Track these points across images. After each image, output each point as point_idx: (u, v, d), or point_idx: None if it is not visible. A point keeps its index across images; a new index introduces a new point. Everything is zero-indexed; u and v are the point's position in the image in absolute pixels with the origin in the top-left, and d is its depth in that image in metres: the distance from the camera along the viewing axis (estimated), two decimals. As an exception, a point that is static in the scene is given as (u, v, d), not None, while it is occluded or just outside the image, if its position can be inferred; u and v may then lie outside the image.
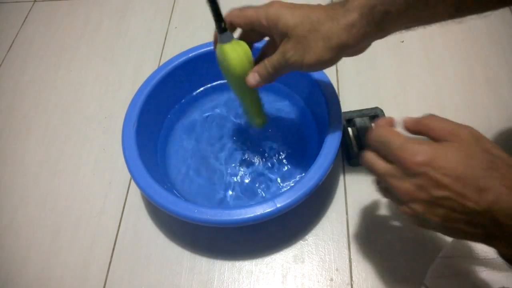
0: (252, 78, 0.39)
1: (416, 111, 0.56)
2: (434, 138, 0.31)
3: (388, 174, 0.31)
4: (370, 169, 0.33)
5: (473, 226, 0.28)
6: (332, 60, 0.35)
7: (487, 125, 0.54)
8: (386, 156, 0.31)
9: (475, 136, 0.30)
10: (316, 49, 0.34)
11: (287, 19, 0.35)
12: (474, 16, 0.34)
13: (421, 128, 0.32)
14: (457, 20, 0.34)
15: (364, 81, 0.60)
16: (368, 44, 0.37)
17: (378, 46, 0.64)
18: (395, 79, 0.60)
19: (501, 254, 0.30)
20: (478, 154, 0.29)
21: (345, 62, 0.62)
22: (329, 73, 0.52)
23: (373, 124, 0.33)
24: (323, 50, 0.34)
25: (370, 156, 0.33)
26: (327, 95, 0.48)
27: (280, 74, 0.38)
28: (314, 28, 0.34)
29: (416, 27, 0.35)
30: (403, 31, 0.35)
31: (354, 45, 0.34)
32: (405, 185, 0.30)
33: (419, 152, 0.29)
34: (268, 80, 0.39)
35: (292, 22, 0.34)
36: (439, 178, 0.28)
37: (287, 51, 0.36)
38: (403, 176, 0.30)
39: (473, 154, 0.29)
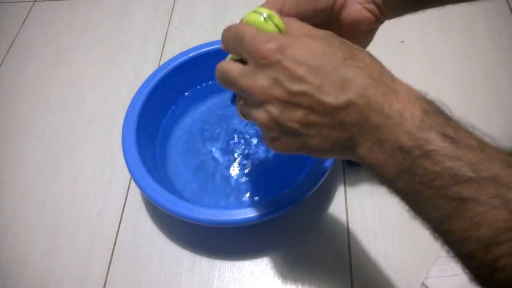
0: None
1: (416, 111, 0.56)
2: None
3: (241, 75, 0.27)
4: (223, 77, 0.29)
5: (337, 129, 0.25)
6: None
7: (487, 125, 0.54)
8: (240, 54, 0.27)
9: (331, 33, 0.27)
10: None
11: None
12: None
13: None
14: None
15: (364, 81, 0.60)
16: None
17: (378, 46, 0.64)
18: (395, 79, 0.60)
19: (362, 159, 0.25)
20: (336, 43, 0.25)
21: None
22: (329, 73, 0.52)
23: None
24: None
25: (223, 62, 0.29)
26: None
27: None
28: None
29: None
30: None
31: None
32: (258, 81, 0.25)
33: (272, 38, 0.25)
34: None
35: None
36: (294, 68, 0.24)
37: None
38: (256, 71, 0.26)
39: (331, 43, 0.25)
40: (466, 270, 0.23)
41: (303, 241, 0.47)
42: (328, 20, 0.33)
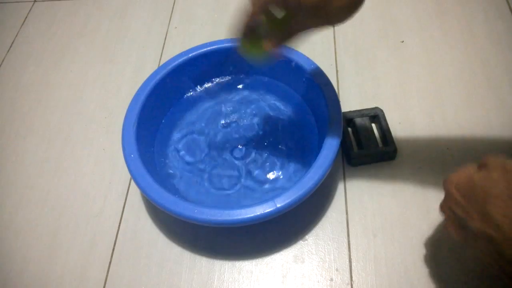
0: (268, 44, 0.39)
1: (416, 112, 0.57)
2: None
3: None
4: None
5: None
6: None
7: (487, 125, 0.54)
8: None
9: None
10: None
11: None
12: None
13: None
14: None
15: (364, 81, 0.60)
16: None
17: (378, 46, 0.64)
18: (395, 79, 0.60)
19: None
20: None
21: (345, 62, 0.63)
22: (329, 73, 0.52)
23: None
24: None
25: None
26: (327, 95, 0.48)
27: (294, 31, 0.37)
28: None
29: None
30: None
31: None
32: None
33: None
34: (283, 37, 0.38)
35: None
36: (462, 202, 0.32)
37: None
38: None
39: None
40: None
41: (303, 241, 0.47)
42: None
